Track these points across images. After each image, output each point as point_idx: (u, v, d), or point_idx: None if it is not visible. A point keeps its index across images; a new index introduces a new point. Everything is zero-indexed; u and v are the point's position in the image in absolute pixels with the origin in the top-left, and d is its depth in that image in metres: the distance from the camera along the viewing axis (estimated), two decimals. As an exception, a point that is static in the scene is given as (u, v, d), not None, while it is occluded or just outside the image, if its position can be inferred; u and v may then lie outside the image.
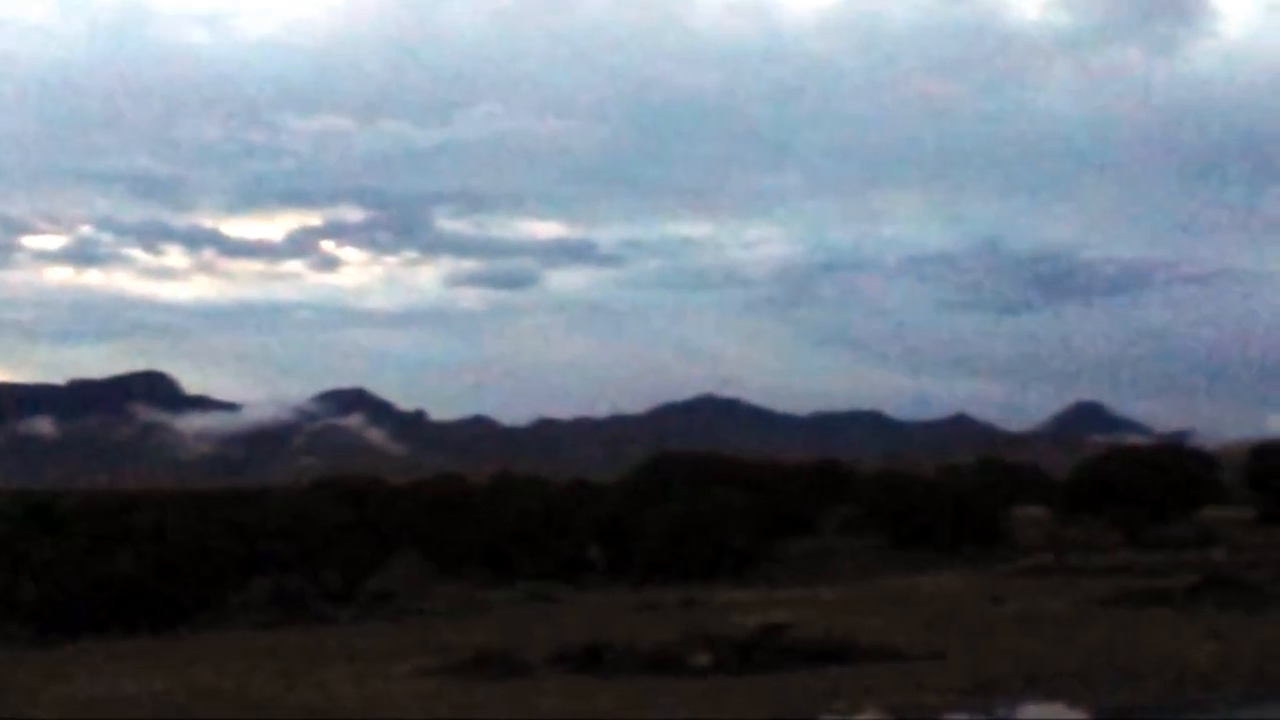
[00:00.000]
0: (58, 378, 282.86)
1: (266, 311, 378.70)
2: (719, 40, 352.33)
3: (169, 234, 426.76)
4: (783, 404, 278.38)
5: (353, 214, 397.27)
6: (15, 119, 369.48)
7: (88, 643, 25.17)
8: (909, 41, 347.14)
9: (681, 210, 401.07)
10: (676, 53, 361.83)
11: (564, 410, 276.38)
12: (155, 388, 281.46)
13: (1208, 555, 38.04)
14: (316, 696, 16.82)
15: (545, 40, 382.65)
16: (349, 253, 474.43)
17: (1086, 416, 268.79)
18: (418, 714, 15.48)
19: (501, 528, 41.76)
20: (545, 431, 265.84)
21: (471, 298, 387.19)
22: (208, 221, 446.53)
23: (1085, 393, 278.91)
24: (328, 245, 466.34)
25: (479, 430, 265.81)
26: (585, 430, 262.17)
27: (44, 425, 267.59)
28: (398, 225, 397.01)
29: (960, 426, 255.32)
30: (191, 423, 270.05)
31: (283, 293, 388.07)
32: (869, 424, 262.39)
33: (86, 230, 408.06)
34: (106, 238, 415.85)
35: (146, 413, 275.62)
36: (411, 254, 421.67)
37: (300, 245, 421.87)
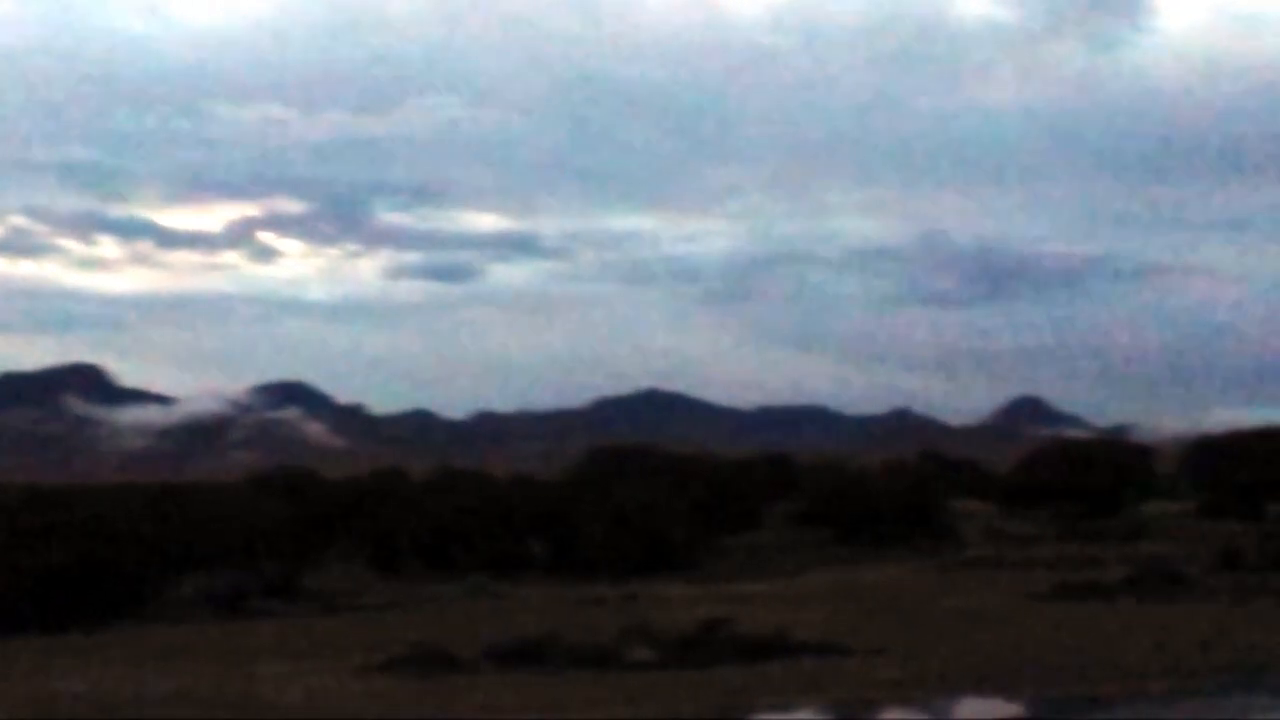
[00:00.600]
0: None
1: (203, 303, 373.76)
2: (665, 33, 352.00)
3: (104, 225, 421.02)
4: (726, 398, 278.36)
5: (292, 205, 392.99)
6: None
7: (21, 640, 24.74)
8: (854, 36, 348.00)
9: (626, 203, 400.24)
10: (622, 45, 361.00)
11: (505, 404, 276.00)
12: (89, 381, 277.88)
13: (1145, 548, 38.38)
14: (256, 692, 16.59)
15: (489, 31, 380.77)
16: (288, 244, 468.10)
17: (1027, 411, 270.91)
18: (357, 710, 15.28)
19: (441, 522, 41.48)
20: (486, 425, 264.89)
21: (412, 290, 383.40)
22: (144, 212, 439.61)
23: (1026, 387, 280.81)
24: (266, 236, 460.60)
25: (419, 424, 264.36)
26: (527, 424, 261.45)
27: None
28: (338, 217, 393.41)
29: (902, 421, 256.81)
30: (126, 416, 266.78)
31: (220, 284, 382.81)
32: (812, 418, 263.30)
33: (19, 220, 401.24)
34: (40, 228, 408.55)
35: (80, 406, 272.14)
36: (352, 246, 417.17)
37: (238, 236, 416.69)
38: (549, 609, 27.53)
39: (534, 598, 31.46)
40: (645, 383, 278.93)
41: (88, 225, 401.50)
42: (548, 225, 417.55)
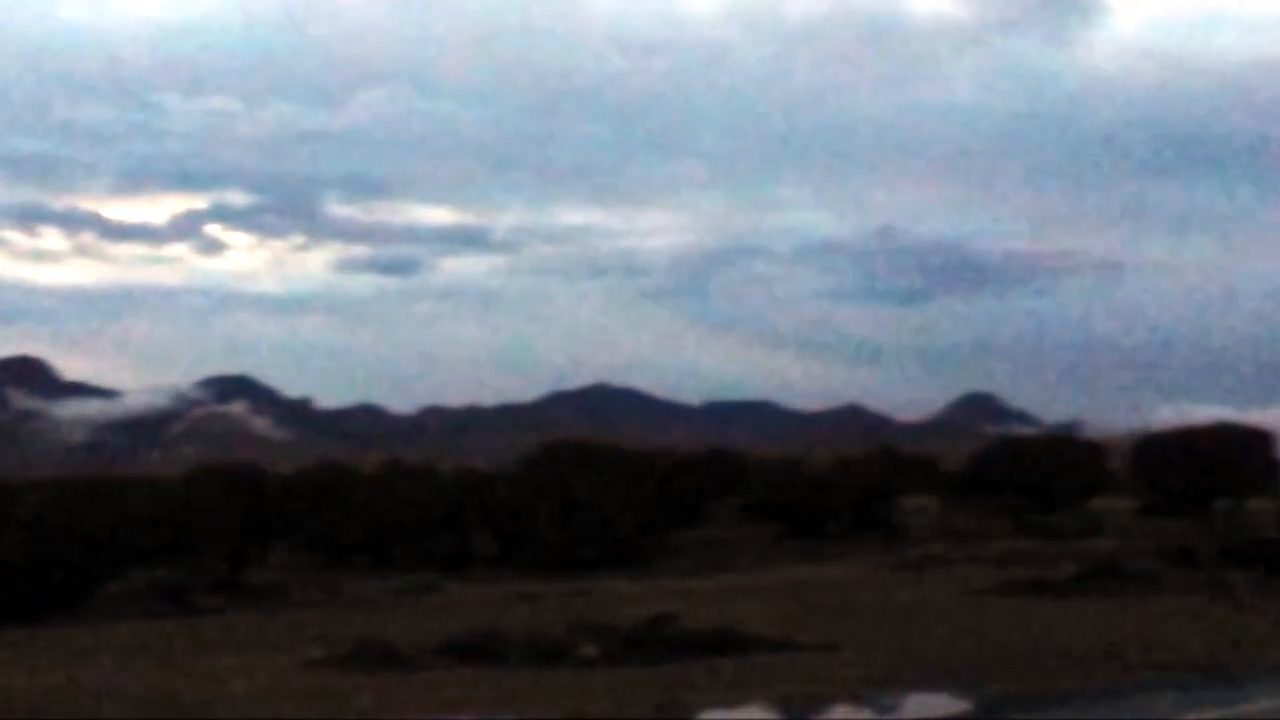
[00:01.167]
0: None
1: (148, 296, 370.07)
2: (617, 26, 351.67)
3: (46, 216, 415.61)
4: (676, 392, 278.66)
5: (239, 197, 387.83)
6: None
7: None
8: (808, 31, 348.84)
9: (576, 197, 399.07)
10: (573, 38, 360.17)
11: (454, 398, 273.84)
12: (30, 374, 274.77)
13: (1093, 545, 38.56)
14: (199, 689, 16.30)
15: (439, 23, 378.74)
16: (235, 236, 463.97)
17: (978, 407, 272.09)
18: (300, 705, 15.04)
19: (387, 517, 41.13)
20: (434, 420, 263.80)
21: (360, 284, 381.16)
22: (87, 204, 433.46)
23: (976, 383, 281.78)
24: (212, 229, 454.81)
25: (366, 418, 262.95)
26: (475, 418, 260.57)
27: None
28: (285, 209, 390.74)
29: (853, 416, 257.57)
30: (69, 410, 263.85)
31: (165, 277, 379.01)
32: (762, 413, 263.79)
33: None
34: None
35: (21, 399, 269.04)
36: (299, 239, 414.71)
37: (184, 228, 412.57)
38: (496, 605, 27.32)
39: (482, 594, 31.22)
40: (595, 377, 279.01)
41: (30, 217, 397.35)
42: (498, 219, 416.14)
